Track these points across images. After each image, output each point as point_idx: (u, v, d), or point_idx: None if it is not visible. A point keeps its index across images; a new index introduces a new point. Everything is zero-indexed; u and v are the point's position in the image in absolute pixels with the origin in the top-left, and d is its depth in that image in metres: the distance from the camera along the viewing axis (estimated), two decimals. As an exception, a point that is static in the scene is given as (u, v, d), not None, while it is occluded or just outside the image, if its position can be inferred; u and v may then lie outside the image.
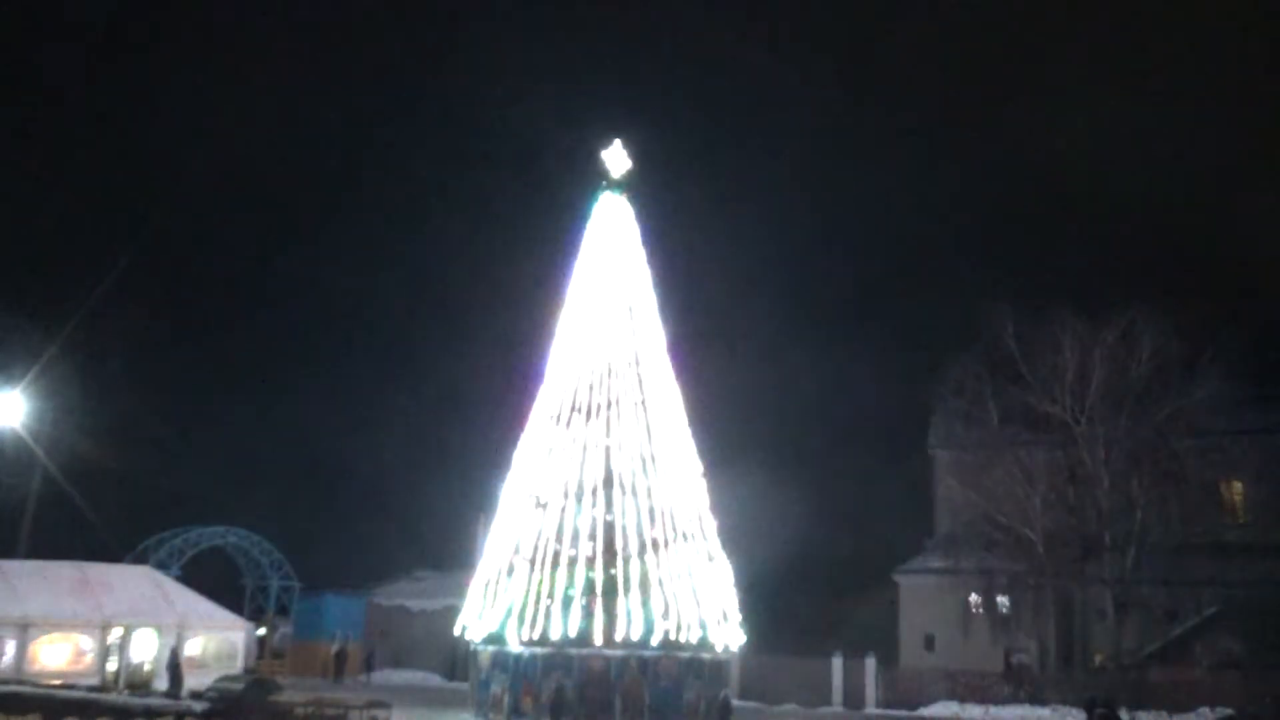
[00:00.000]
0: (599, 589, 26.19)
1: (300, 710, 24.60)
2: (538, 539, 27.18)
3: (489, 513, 31.27)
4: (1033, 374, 37.29)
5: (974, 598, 39.67)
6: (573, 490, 27.43)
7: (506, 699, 26.53)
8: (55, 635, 31.78)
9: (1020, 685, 36.09)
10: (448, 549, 48.27)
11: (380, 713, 25.46)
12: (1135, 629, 36.26)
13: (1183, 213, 64.49)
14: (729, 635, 27.95)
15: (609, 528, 26.95)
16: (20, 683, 26.95)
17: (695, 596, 27.18)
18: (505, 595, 27.08)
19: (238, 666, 33.89)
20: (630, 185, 31.87)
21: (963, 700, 35.83)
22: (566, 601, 26.18)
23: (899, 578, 42.68)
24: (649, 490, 27.67)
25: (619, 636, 25.89)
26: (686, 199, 77.35)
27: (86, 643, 32.15)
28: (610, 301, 30.00)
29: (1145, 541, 35.62)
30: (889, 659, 39.47)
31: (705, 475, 29.61)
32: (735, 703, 27.49)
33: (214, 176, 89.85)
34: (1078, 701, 32.35)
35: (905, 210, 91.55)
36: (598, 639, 25.84)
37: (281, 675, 37.88)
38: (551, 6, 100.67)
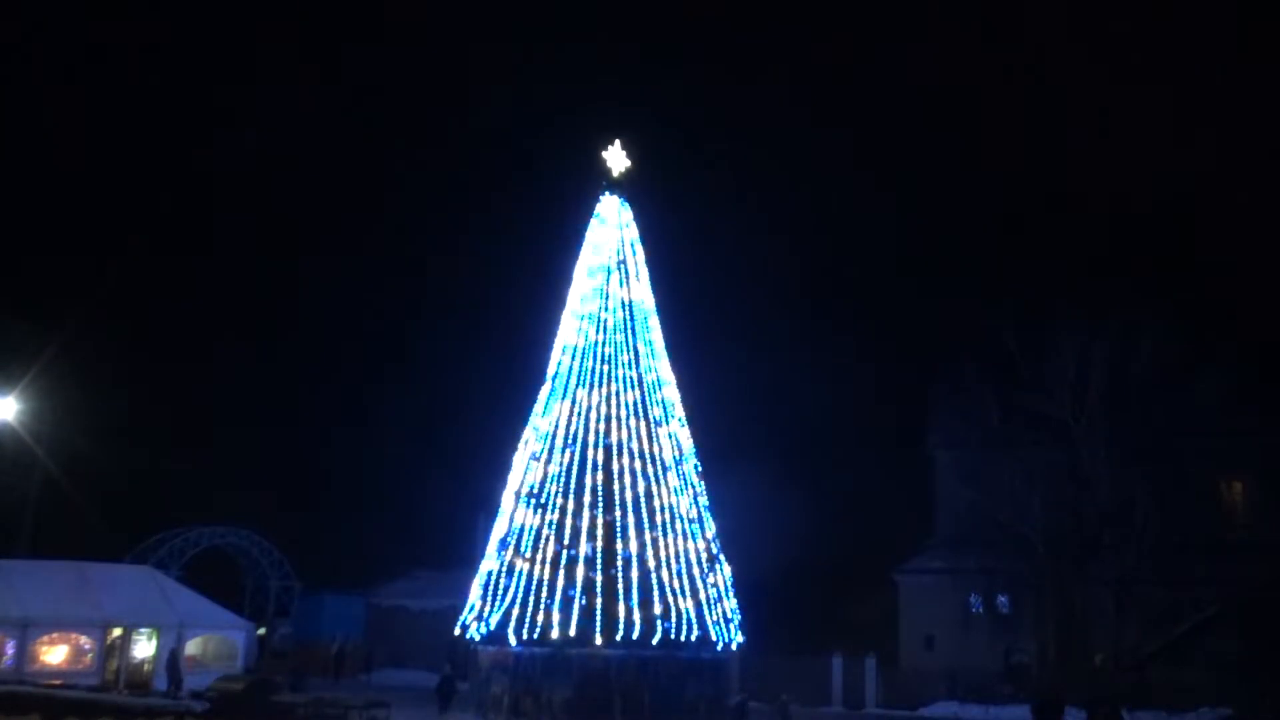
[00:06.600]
0: (599, 589, 26.17)
1: (300, 710, 24.66)
2: (538, 539, 27.18)
3: (489, 513, 31.26)
4: (1033, 374, 37.30)
5: (974, 598, 39.66)
6: (573, 489, 27.42)
7: (506, 699, 26.53)
8: (55, 635, 31.82)
9: (1020, 685, 36.08)
10: (448, 549, 48.30)
11: (380, 713, 25.52)
12: (1135, 629, 36.24)
13: (1182, 213, 64.49)
14: (729, 635, 27.94)
15: (609, 528, 26.94)
16: (20, 683, 26.95)
17: (695, 596, 27.18)
18: (505, 595, 27.07)
19: (238, 666, 33.95)
20: (630, 185, 31.85)
21: (963, 700, 35.84)
22: (566, 602, 26.16)
23: (899, 578, 42.63)
24: (649, 490, 27.66)
25: (619, 636, 25.88)
26: (687, 199, 77.39)
27: (86, 643, 32.18)
28: (610, 301, 29.99)
29: (1145, 541, 35.61)
30: (889, 659, 39.45)
31: (705, 475, 29.61)
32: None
33: (215, 177, 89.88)
34: (1078, 701, 32.34)
35: (906, 210, 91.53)
36: (598, 639, 25.83)
37: (282, 676, 37.88)
38: (552, 7, 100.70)
